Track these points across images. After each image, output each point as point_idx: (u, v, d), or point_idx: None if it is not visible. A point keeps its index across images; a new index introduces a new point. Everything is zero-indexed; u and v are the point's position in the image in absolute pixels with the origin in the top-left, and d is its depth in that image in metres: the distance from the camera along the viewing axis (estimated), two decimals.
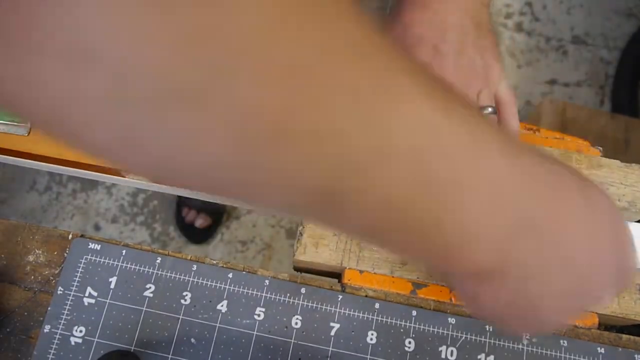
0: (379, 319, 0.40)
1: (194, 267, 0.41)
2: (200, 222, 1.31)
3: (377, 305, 0.40)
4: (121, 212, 1.36)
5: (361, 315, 0.40)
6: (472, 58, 0.42)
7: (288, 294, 0.40)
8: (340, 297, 0.40)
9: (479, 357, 0.39)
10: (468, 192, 0.21)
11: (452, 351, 0.39)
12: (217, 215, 1.33)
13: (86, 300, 0.39)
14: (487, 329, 0.39)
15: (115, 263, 0.41)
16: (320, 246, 0.41)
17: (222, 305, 0.40)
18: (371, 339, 0.39)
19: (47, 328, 0.39)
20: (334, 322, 0.39)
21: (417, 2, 0.43)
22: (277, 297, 0.40)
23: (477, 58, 0.42)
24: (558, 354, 0.39)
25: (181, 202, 1.33)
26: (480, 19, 0.44)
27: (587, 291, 0.26)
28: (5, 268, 0.40)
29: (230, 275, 0.40)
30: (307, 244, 0.41)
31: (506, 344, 0.39)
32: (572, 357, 0.39)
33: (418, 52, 0.41)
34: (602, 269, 0.26)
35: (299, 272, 0.43)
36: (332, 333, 0.39)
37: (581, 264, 0.25)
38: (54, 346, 0.38)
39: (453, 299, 0.40)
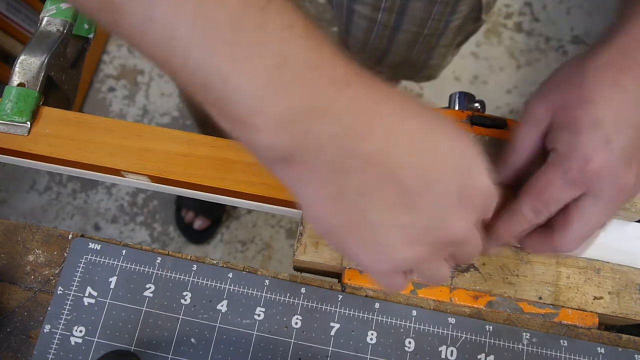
0: (379, 318, 0.40)
1: (194, 267, 0.41)
2: (199, 223, 1.31)
3: (377, 305, 0.40)
4: (121, 212, 1.36)
5: (361, 315, 0.40)
6: (634, 174, 0.33)
7: (288, 294, 0.40)
8: (340, 296, 0.40)
9: (478, 357, 0.39)
10: (251, 51, 0.23)
11: (452, 351, 0.39)
12: (216, 216, 1.33)
13: (86, 300, 0.39)
14: (487, 329, 0.39)
15: (115, 263, 0.41)
16: (320, 246, 0.41)
17: (222, 305, 0.40)
18: (371, 339, 0.39)
19: (47, 328, 0.39)
20: (334, 321, 0.39)
21: (611, 76, 0.33)
22: (277, 297, 0.40)
23: (634, 175, 0.33)
24: (558, 354, 0.39)
25: (180, 203, 1.34)
26: None
27: (420, 206, 0.27)
28: (5, 268, 0.40)
29: (230, 275, 0.40)
30: (307, 244, 0.41)
31: (506, 343, 0.39)
32: (572, 357, 0.39)
33: (584, 136, 0.32)
34: (435, 187, 0.27)
35: (299, 272, 0.43)
36: (332, 333, 0.39)
37: (405, 176, 0.26)
38: (54, 346, 0.38)
39: (453, 299, 0.40)
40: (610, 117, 0.32)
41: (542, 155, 0.36)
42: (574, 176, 0.33)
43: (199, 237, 1.33)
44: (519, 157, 0.37)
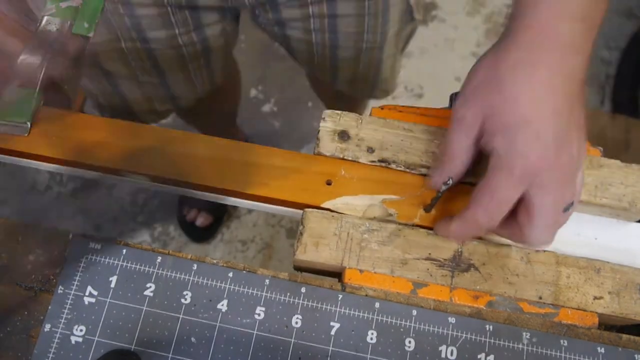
0: (379, 318, 0.40)
1: (194, 267, 0.41)
2: (201, 220, 1.31)
3: (377, 305, 0.40)
4: (121, 211, 1.36)
5: (361, 314, 0.40)
6: (571, 153, 0.37)
7: (288, 294, 0.40)
8: (341, 296, 0.40)
9: (479, 356, 0.39)
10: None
11: (452, 350, 0.39)
12: (219, 214, 1.33)
13: (86, 300, 0.39)
14: (487, 329, 0.39)
15: (116, 262, 0.41)
16: (320, 246, 0.41)
17: (222, 305, 0.40)
18: (371, 339, 0.39)
19: (47, 327, 0.39)
20: (334, 321, 0.39)
21: (518, 67, 0.36)
22: (277, 297, 0.40)
23: (574, 149, 0.37)
24: (558, 354, 0.39)
25: (183, 201, 1.33)
26: (581, 87, 0.37)
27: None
28: (5, 267, 0.40)
29: (230, 275, 0.40)
30: (307, 243, 0.41)
31: (506, 343, 0.39)
32: (572, 356, 0.39)
33: (518, 136, 0.36)
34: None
35: (299, 272, 0.43)
36: (332, 332, 0.39)
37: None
38: (54, 345, 0.38)
39: (453, 298, 0.40)
40: (533, 112, 0.36)
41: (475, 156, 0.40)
42: (518, 174, 0.36)
43: (202, 235, 1.33)
44: (456, 163, 0.40)
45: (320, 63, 0.75)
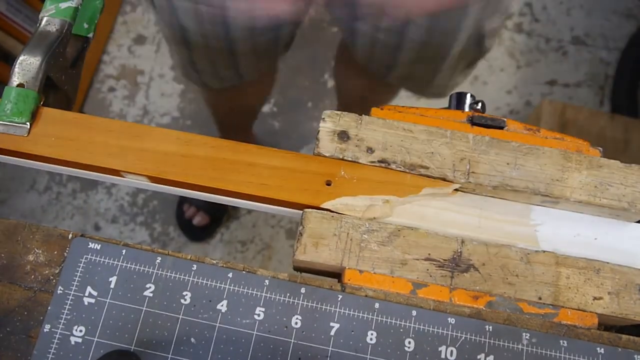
0: (379, 318, 0.40)
1: (194, 267, 0.41)
2: (198, 220, 1.31)
3: (376, 305, 0.40)
4: (121, 212, 1.36)
5: (361, 315, 0.40)
6: None
7: (288, 294, 0.40)
8: (340, 297, 0.40)
9: (478, 357, 0.39)
10: None
11: (451, 351, 0.39)
12: (218, 214, 1.33)
13: (86, 300, 0.39)
14: (487, 329, 0.39)
15: (115, 263, 0.41)
16: (320, 246, 0.41)
17: (222, 305, 0.40)
18: (371, 339, 0.39)
19: (47, 327, 0.39)
20: (333, 321, 0.39)
21: None
22: (277, 297, 0.40)
23: None
24: (558, 354, 0.39)
25: (183, 199, 1.34)
26: None
27: None
28: (5, 267, 0.40)
29: (230, 275, 0.40)
30: (306, 244, 0.41)
31: (506, 343, 0.39)
32: (571, 357, 0.39)
33: None
34: None
35: (298, 272, 0.43)
36: (332, 333, 0.39)
37: None
38: (53, 345, 0.38)
39: (453, 299, 0.40)
40: None
41: None
42: None
43: (199, 235, 1.33)
44: None
45: (378, 59, 0.77)
